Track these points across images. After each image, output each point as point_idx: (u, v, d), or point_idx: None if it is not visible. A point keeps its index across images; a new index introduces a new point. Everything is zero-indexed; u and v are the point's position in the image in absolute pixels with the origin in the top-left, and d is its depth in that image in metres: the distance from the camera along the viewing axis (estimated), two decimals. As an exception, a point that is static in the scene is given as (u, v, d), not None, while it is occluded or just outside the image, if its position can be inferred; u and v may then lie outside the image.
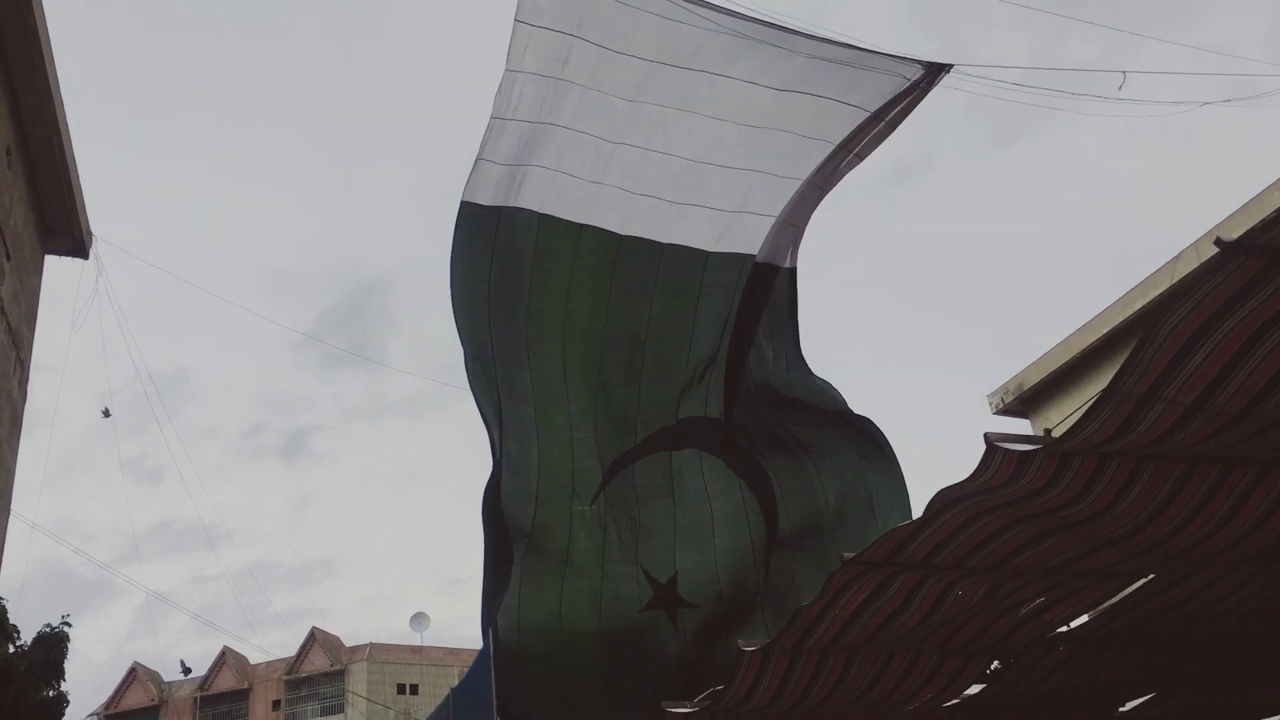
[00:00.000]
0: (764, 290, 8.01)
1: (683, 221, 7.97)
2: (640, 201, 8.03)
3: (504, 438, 8.15)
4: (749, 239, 7.84)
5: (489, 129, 7.96)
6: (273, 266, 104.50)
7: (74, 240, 17.86)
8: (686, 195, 7.95)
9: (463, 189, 8.14)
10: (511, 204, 8.07)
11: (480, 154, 8.07)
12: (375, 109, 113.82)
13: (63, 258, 18.11)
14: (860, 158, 7.76)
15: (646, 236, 8.02)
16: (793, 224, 7.90)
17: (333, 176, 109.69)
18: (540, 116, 7.98)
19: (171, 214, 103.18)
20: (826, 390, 8.39)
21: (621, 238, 8.02)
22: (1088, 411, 4.01)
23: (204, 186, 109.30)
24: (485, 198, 8.13)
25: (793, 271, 8.03)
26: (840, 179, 7.91)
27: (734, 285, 7.91)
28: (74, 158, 17.02)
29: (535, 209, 8.08)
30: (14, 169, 15.67)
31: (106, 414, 15.89)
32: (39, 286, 17.76)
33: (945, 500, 4.70)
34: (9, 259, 15.58)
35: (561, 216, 8.09)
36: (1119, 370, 3.84)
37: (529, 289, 8.10)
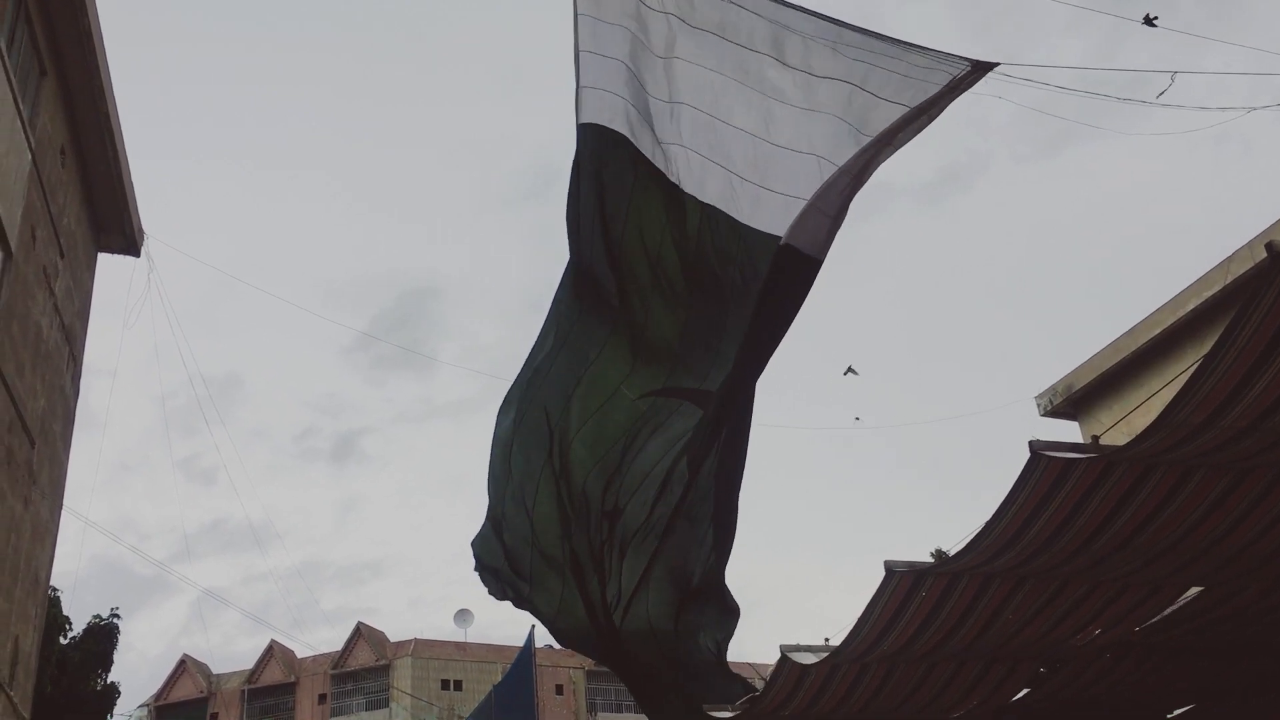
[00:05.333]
0: (791, 277, 7.77)
1: (760, 205, 7.81)
2: (715, 170, 7.96)
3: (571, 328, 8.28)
4: (785, 221, 7.67)
5: (580, 61, 8.11)
6: (325, 272, 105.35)
7: (126, 238, 18.13)
8: (757, 175, 7.82)
9: (577, 114, 8.20)
10: (619, 130, 8.08)
11: (580, 83, 8.13)
12: (428, 116, 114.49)
13: (116, 256, 18.41)
14: (896, 148, 7.58)
15: (725, 210, 7.70)
16: (822, 210, 7.69)
17: (385, 183, 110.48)
18: (619, 56, 8.15)
19: (226, 219, 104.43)
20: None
21: (703, 205, 7.80)
22: (1139, 436, 3.90)
23: (259, 192, 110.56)
24: (600, 118, 8.14)
25: (816, 263, 7.63)
26: (874, 169, 7.75)
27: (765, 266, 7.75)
28: (126, 157, 17.27)
29: (637, 146, 8.05)
30: (68, 168, 15.93)
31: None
32: (92, 284, 18.04)
33: (1001, 516, 4.61)
34: (63, 256, 15.84)
35: (654, 163, 8.01)
36: (1175, 399, 3.71)
37: (625, 217, 8.09)
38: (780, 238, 7.33)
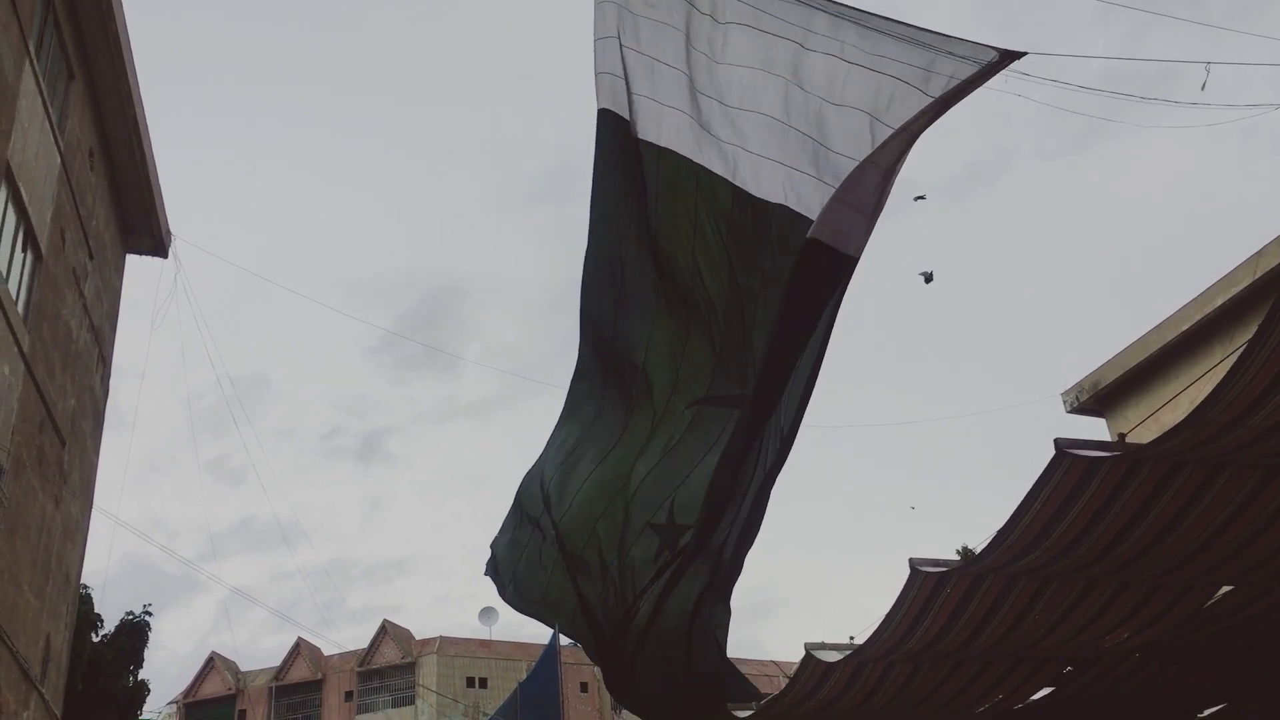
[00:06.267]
0: (824, 273, 7.49)
1: (788, 183, 7.61)
2: (743, 155, 7.52)
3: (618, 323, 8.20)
4: (816, 203, 7.42)
5: (595, 48, 8.11)
6: (350, 273, 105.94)
7: (154, 239, 18.28)
8: (784, 156, 7.62)
9: (596, 98, 8.13)
10: (636, 127, 8.01)
11: (597, 69, 8.10)
12: (451, 116, 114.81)
13: (144, 257, 18.57)
14: (915, 135, 7.36)
15: (753, 192, 7.45)
16: (851, 204, 7.44)
17: (408, 184, 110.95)
18: (632, 45, 8.03)
19: (253, 219, 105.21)
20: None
21: (734, 186, 7.56)
22: (1164, 435, 3.89)
23: (285, 192, 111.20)
24: (620, 107, 8.07)
25: (851, 261, 7.49)
26: (902, 162, 7.54)
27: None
28: (154, 159, 17.41)
29: (654, 140, 7.91)
30: (96, 170, 16.08)
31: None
32: (120, 285, 18.20)
33: (1022, 513, 4.59)
34: (92, 258, 15.99)
35: (679, 151, 7.81)
36: (1203, 402, 3.69)
37: (657, 217, 7.93)
38: (812, 220, 7.06)
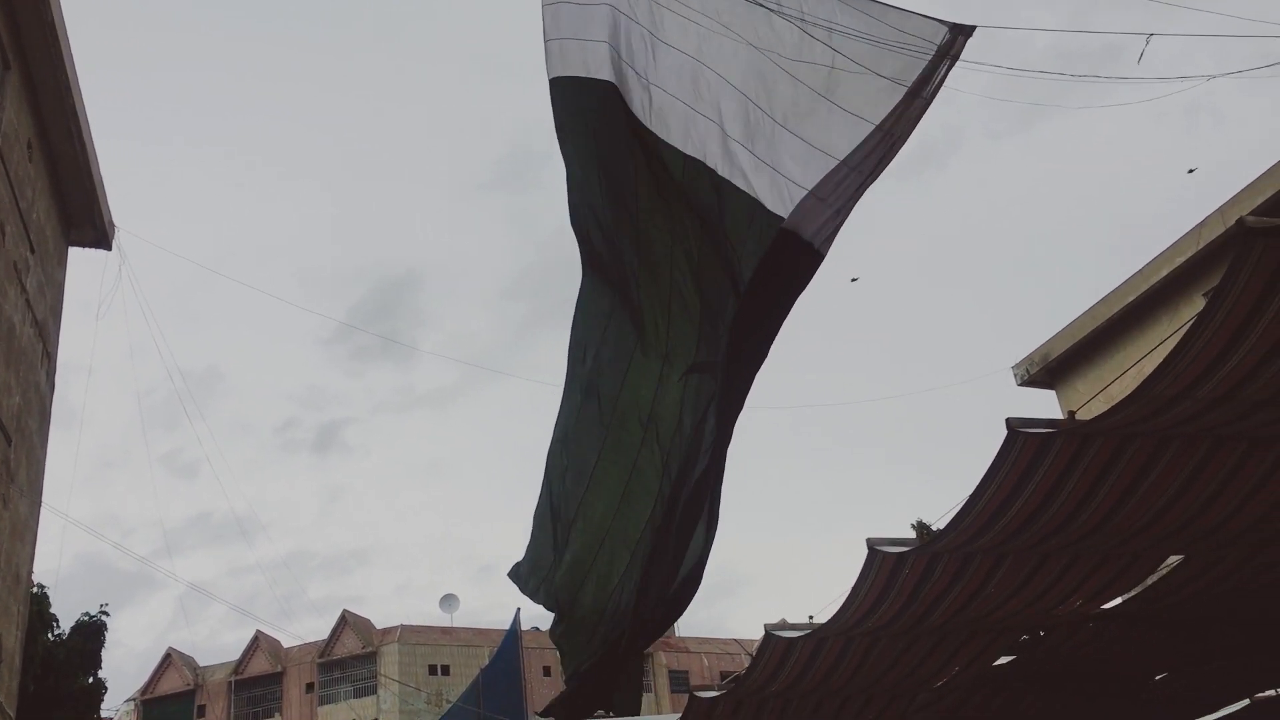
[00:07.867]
0: (792, 265, 6.81)
1: (740, 164, 6.88)
2: (699, 120, 7.07)
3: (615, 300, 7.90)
4: (785, 201, 7.14)
5: (544, 14, 7.80)
6: (300, 265, 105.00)
7: (96, 231, 17.96)
8: (744, 135, 6.87)
9: (546, 68, 7.83)
10: (597, 76, 7.59)
11: (546, 35, 7.80)
12: (402, 105, 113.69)
13: (87, 251, 18.23)
14: (900, 142, 7.02)
15: (706, 162, 7.02)
16: (823, 199, 7.14)
17: (359, 175, 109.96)
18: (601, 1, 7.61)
19: (201, 215, 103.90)
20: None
21: (684, 156, 7.13)
22: (1113, 408, 3.95)
23: (234, 183, 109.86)
24: (573, 69, 7.73)
25: (818, 256, 6.84)
26: (885, 166, 7.19)
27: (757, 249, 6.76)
28: (94, 149, 17.09)
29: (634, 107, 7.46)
30: (35, 162, 15.76)
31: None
32: (64, 279, 17.88)
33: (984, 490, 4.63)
34: (33, 251, 15.68)
35: (635, 114, 7.42)
36: (1152, 374, 3.75)
37: (634, 174, 7.54)
38: (782, 217, 6.70)
